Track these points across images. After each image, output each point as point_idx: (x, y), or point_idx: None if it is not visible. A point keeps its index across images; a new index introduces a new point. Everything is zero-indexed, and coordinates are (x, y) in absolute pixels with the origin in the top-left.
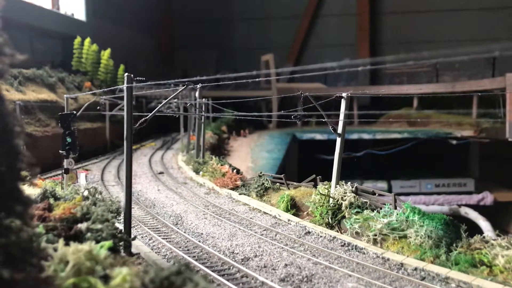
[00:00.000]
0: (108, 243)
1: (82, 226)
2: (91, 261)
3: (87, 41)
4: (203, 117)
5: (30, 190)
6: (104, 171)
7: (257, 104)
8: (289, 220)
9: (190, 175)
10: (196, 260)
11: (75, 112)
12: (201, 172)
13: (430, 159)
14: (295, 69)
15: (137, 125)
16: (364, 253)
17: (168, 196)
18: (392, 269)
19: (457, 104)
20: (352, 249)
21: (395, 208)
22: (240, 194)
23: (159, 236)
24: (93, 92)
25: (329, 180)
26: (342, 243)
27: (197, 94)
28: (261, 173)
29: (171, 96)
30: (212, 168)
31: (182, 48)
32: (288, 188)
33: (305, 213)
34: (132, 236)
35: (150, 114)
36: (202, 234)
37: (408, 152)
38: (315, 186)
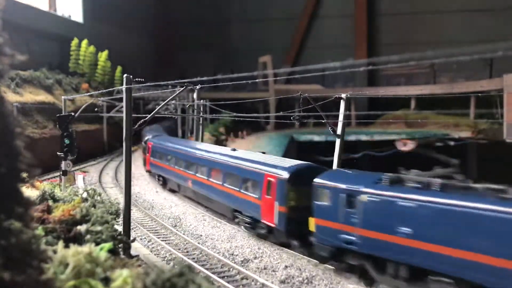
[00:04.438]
0: (108, 245)
1: (82, 228)
2: (91, 263)
3: (85, 42)
4: (201, 118)
5: (29, 192)
6: (102, 173)
7: (254, 106)
8: None
9: None
10: (195, 262)
11: (73, 113)
12: None
13: (428, 160)
14: (293, 70)
15: (136, 126)
16: None
17: (166, 198)
18: None
19: (455, 105)
20: None
21: None
22: None
23: (158, 238)
24: (90, 93)
25: None
26: None
27: (195, 95)
28: None
29: (170, 98)
30: None
31: (180, 50)
32: None
33: None
34: (132, 238)
35: (149, 116)
36: (201, 235)
37: (407, 153)
38: None
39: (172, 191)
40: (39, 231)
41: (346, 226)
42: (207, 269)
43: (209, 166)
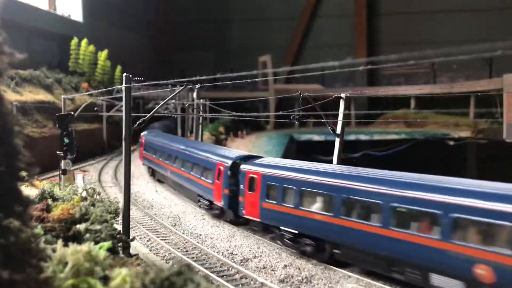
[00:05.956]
0: (107, 244)
1: (81, 227)
2: (90, 262)
3: (84, 42)
4: (201, 118)
5: (28, 191)
6: (101, 172)
7: (254, 105)
8: None
9: None
10: (194, 261)
11: (72, 112)
12: None
13: (427, 160)
14: (293, 69)
15: (136, 125)
16: None
17: (166, 197)
18: None
19: (455, 105)
20: None
21: None
22: None
23: (158, 237)
24: (90, 93)
25: None
26: None
27: (194, 95)
28: None
29: (170, 97)
30: None
31: (180, 49)
32: None
33: None
34: (131, 237)
35: (149, 115)
36: (200, 235)
37: (406, 153)
38: None
39: (169, 190)
40: (38, 230)
41: None
42: (206, 268)
43: None
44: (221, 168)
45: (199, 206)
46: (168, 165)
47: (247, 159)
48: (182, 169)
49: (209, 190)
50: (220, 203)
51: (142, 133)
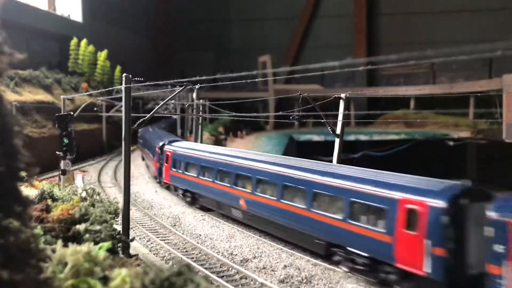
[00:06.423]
0: (107, 244)
1: (81, 227)
2: (90, 263)
3: (84, 42)
4: (200, 118)
5: (27, 191)
6: (101, 172)
7: (254, 106)
8: None
9: None
10: (194, 261)
11: (72, 113)
12: None
13: (427, 160)
14: (293, 69)
15: (135, 125)
16: None
17: (165, 198)
18: None
19: (454, 105)
20: None
21: None
22: None
23: (157, 237)
24: (89, 93)
25: None
26: None
27: (194, 95)
28: None
29: (169, 97)
30: None
31: (180, 49)
32: None
33: None
34: (131, 237)
35: (149, 115)
36: (200, 235)
37: (405, 154)
38: None
39: (169, 191)
40: (38, 230)
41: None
42: (206, 268)
43: None
44: (419, 210)
45: (337, 263)
46: (241, 192)
47: (476, 194)
48: (282, 201)
49: (379, 244)
50: (419, 270)
51: (165, 146)
